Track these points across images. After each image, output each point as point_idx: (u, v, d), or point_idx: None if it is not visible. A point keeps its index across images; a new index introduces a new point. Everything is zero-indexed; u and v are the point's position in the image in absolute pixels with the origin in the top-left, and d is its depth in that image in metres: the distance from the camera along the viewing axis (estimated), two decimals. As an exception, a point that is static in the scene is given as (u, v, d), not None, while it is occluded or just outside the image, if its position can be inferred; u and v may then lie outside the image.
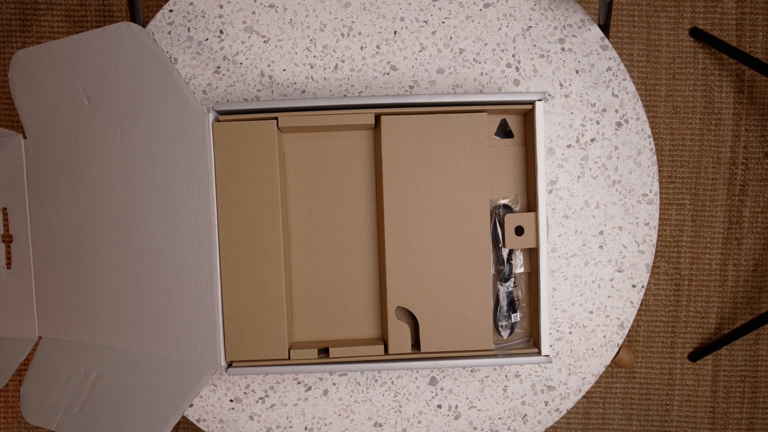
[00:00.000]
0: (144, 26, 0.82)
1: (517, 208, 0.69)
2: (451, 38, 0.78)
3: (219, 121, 0.65)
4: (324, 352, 0.69)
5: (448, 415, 0.79)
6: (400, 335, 0.67)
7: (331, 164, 0.69)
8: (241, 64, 0.78)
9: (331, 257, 0.70)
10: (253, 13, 0.79)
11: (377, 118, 0.67)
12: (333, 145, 0.69)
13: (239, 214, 0.65)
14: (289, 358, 0.66)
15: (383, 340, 0.70)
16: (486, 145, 0.66)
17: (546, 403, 0.79)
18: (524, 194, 0.72)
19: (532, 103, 0.66)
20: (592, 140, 0.78)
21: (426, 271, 0.66)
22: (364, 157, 0.69)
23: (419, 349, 0.68)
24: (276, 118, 0.65)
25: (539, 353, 0.68)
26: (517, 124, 0.71)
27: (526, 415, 0.79)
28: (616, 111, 0.78)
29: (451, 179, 0.66)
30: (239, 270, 0.65)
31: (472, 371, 0.78)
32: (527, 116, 0.69)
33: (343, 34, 0.78)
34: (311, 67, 0.78)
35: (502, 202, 0.69)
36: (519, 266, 0.71)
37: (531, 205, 0.70)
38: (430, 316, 0.67)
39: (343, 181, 0.70)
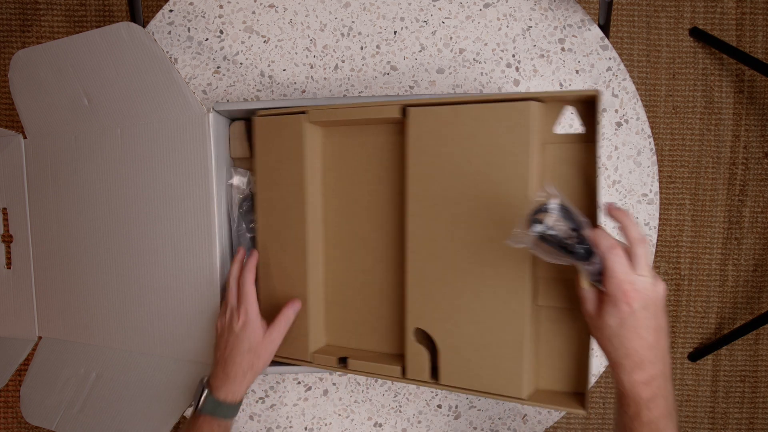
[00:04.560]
0: (144, 26, 0.82)
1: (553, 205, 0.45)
2: (451, 38, 0.78)
3: (259, 116, 0.64)
4: (343, 361, 0.62)
5: (448, 415, 0.79)
6: (417, 360, 0.57)
7: (367, 161, 0.61)
8: (241, 64, 0.78)
9: (364, 261, 0.62)
10: (253, 13, 0.79)
11: (404, 110, 0.57)
12: (369, 140, 0.60)
13: (274, 211, 0.63)
14: (311, 362, 0.63)
15: (403, 357, 0.60)
16: (532, 143, 0.51)
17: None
18: (579, 202, 0.53)
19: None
20: (592, 140, 0.78)
21: (451, 292, 0.55)
22: (397, 155, 0.59)
23: (436, 378, 0.57)
24: (304, 112, 0.61)
25: (582, 407, 0.53)
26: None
27: (526, 415, 0.79)
28: (616, 111, 0.78)
29: (486, 184, 0.53)
30: (270, 266, 0.63)
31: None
32: (588, 108, 0.52)
33: (343, 34, 0.78)
34: (311, 67, 0.78)
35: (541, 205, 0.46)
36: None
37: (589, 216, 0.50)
38: (453, 344, 0.56)
39: (378, 181, 0.60)
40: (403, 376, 0.58)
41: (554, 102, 0.53)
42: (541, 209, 0.42)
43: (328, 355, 0.62)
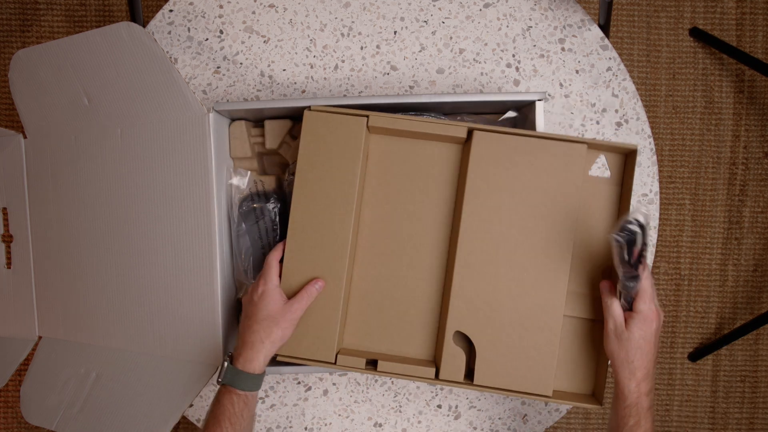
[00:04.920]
0: (144, 26, 0.82)
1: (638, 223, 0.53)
2: (451, 38, 0.78)
3: (312, 109, 0.63)
4: (371, 363, 0.63)
5: (448, 415, 0.79)
6: (454, 361, 0.61)
7: (414, 172, 0.64)
8: (241, 64, 0.78)
9: (397, 267, 0.65)
10: (253, 13, 0.79)
11: (470, 132, 0.62)
12: (420, 153, 0.65)
13: (313, 207, 0.62)
14: (335, 363, 0.62)
15: (434, 362, 0.64)
16: (580, 179, 0.60)
17: (546, 403, 0.79)
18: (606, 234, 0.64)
19: (533, 102, 0.66)
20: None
21: (493, 300, 0.61)
22: (448, 171, 0.64)
23: (471, 378, 0.61)
24: (367, 116, 0.62)
25: (599, 403, 0.61)
26: (616, 165, 0.64)
27: (526, 415, 0.79)
28: (616, 111, 0.78)
29: (536, 208, 0.60)
30: (302, 263, 0.62)
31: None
32: (628, 158, 0.63)
33: (343, 34, 0.78)
34: (311, 67, 0.78)
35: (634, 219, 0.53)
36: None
37: None
38: (490, 347, 0.61)
39: (422, 192, 0.64)
40: (437, 377, 0.62)
41: (594, 148, 0.63)
42: (634, 222, 0.52)
43: (352, 357, 0.62)
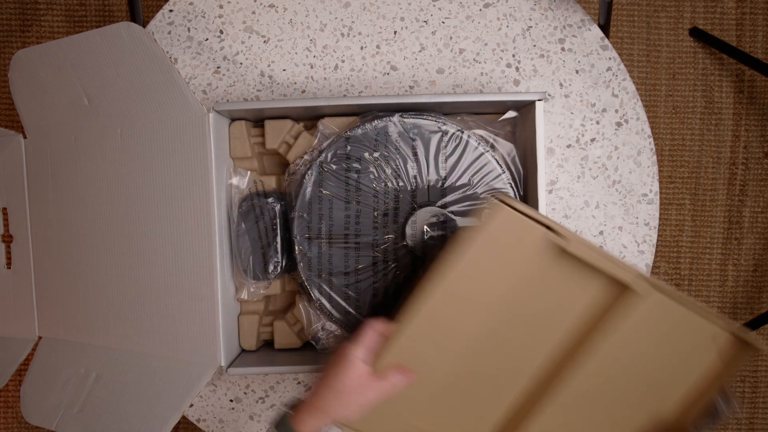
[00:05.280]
0: (144, 26, 0.82)
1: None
2: (451, 38, 0.78)
3: (503, 202, 0.55)
4: None
5: (448, 415, 0.79)
6: None
7: (557, 297, 0.58)
8: (241, 64, 0.78)
9: (490, 376, 0.60)
10: (253, 13, 0.79)
11: (629, 285, 0.57)
12: (573, 280, 0.58)
13: (449, 303, 0.56)
14: None
15: None
16: (706, 360, 0.59)
17: None
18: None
19: (533, 102, 0.66)
20: (592, 140, 0.78)
21: None
22: (593, 306, 0.58)
23: None
24: (550, 228, 0.55)
25: None
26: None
27: (526, 415, 0.79)
28: (616, 111, 0.78)
29: (651, 373, 0.59)
30: (407, 348, 0.57)
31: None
32: (742, 349, 0.59)
33: (343, 34, 0.78)
34: (311, 67, 0.78)
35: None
36: None
37: None
38: None
39: (553, 319, 0.59)
40: None
41: (734, 335, 0.59)
42: (730, 399, 0.58)
43: None
